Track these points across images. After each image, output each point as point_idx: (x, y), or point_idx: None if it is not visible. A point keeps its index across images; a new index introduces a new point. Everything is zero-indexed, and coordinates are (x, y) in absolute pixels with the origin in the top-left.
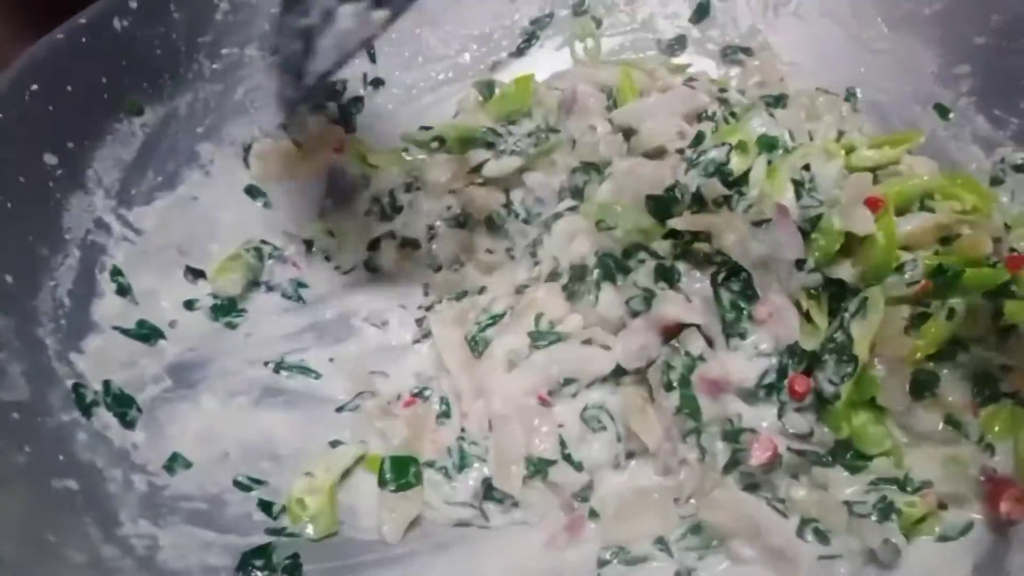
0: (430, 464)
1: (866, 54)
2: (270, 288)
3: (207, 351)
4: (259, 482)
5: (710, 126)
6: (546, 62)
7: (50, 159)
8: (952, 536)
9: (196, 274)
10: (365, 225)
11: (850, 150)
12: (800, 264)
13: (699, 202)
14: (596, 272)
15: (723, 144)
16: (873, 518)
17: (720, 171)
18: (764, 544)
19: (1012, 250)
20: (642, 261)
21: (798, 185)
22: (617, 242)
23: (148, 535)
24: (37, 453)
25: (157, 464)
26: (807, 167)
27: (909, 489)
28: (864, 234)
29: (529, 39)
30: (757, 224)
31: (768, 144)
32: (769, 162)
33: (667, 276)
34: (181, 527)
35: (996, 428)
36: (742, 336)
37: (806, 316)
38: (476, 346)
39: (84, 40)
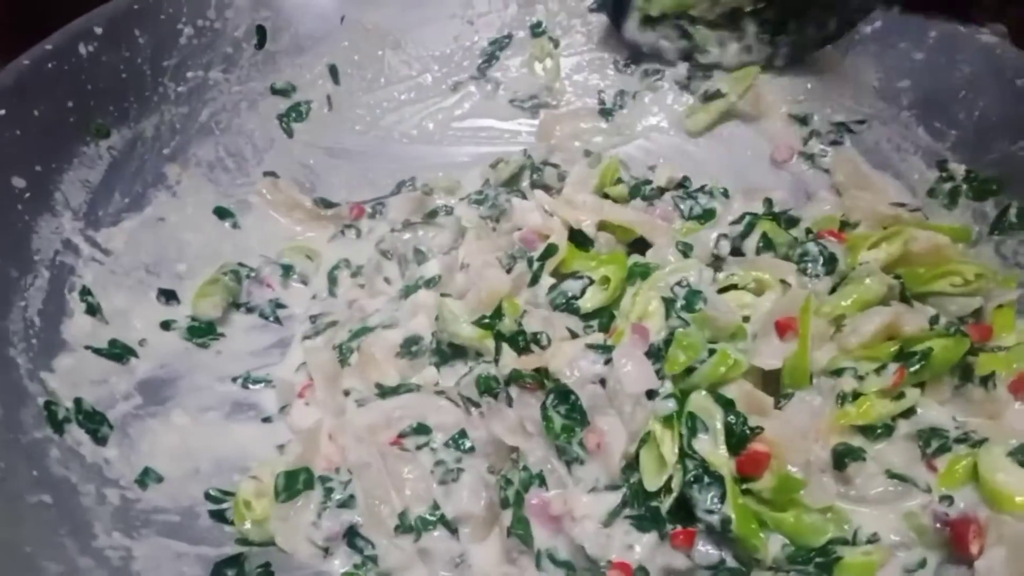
0: (324, 479)
1: (810, 72)
2: (249, 310)
3: (177, 368)
4: (230, 494)
5: None
6: (509, 79)
7: (18, 182)
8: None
9: (168, 296)
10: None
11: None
12: (651, 394)
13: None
14: (429, 351)
15: (580, 277)
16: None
17: (568, 304)
18: None
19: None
20: (470, 369)
21: (669, 304)
22: (452, 337)
23: (122, 547)
24: (11, 469)
25: (129, 478)
26: (681, 283)
27: (859, 543)
28: (769, 369)
29: (489, 59)
30: (596, 348)
31: (642, 272)
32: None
33: (490, 390)
34: (154, 539)
35: (956, 479)
36: (580, 463)
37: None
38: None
39: (50, 65)
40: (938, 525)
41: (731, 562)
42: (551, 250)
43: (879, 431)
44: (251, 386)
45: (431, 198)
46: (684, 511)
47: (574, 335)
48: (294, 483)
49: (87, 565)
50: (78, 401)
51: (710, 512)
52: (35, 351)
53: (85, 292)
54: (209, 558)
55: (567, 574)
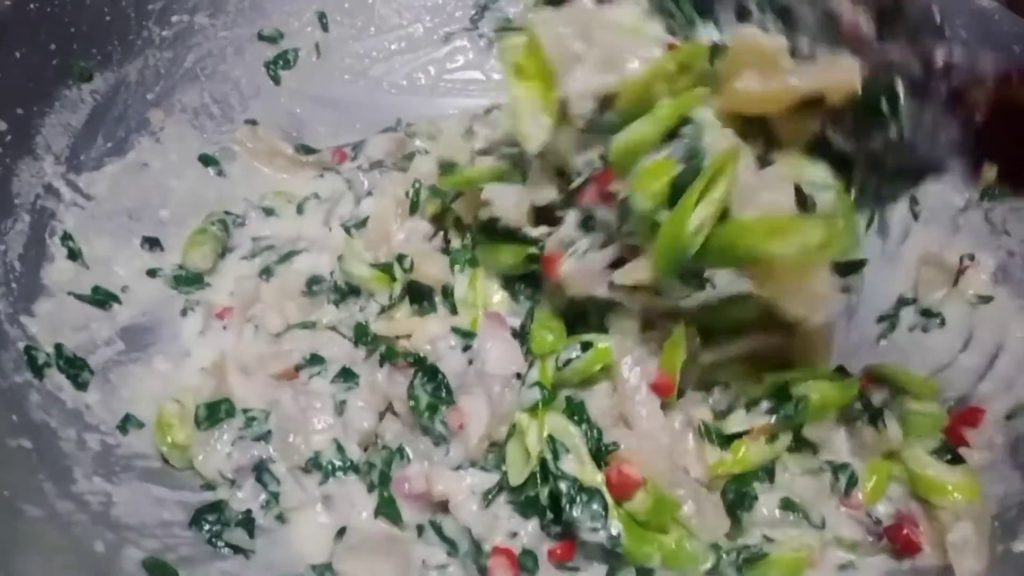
0: (247, 411)
1: None
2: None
3: (160, 315)
4: None
5: None
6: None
7: None
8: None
9: (152, 243)
10: None
11: None
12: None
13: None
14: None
15: None
16: None
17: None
18: None
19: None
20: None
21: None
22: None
23: (102, 492)
24: None
25: (111, 424)
26: None
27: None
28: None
29: (482, 10)
30: (458, 332)
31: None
32: None
33: (364, 337)
34: (135, 484)
35: (878, 492)
36: (445, 441)
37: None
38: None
39: (32, 7)
40: (871, 539)
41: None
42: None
43: (760, 475)
44: None
45: (412, 140)
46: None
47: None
48: (215, 413)
49: (67, 509)
50: (59, 347)
51: (594, 530)
52: (15, 295)
53: (66, 237)
54: (190, 504)
55: (449, 551)
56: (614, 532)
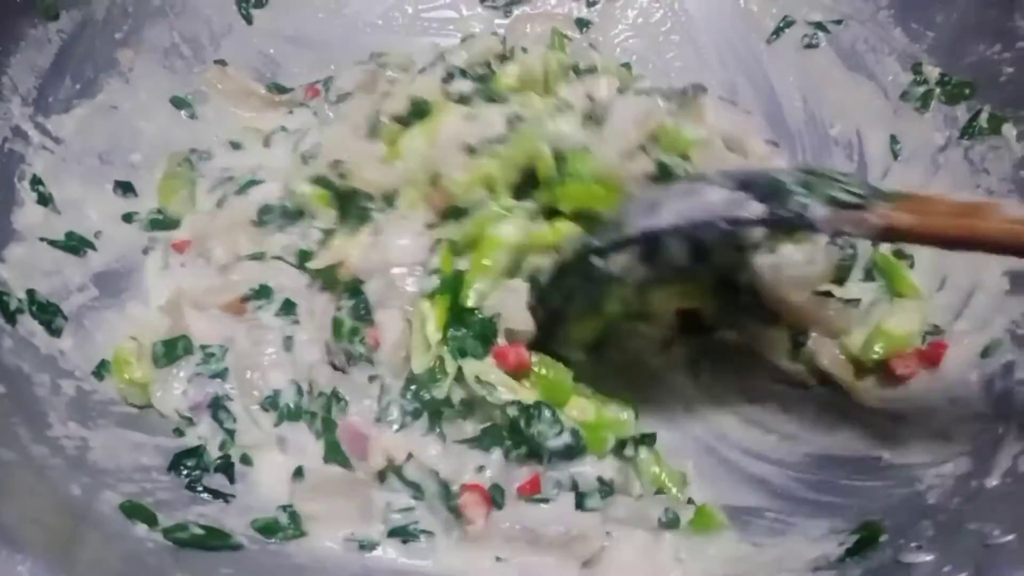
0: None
1: None
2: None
3: (134, 260)
4: None
5: None
6: None
7: None
8: None
9: (125, 188)
10: None
11: None
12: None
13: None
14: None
15: None
16: None
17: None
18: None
19: None
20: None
21: None
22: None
23: (78, 436)
24: None
25: (85, 370)
26: None
27: None
28: None
29: None
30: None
31: None
32: None
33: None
34: (112, 429)
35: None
36: (368, 362)
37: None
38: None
39: None
40: None
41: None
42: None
43: None
44: None
45: (383, 72)
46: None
47: None
48: (173, 350)
49: (41, 453)
50: (31, 292)
51: (558, 435)
52: None
53: (36, 181)
54: (168, 448)
55: (414, 495)
56: (570, 428)
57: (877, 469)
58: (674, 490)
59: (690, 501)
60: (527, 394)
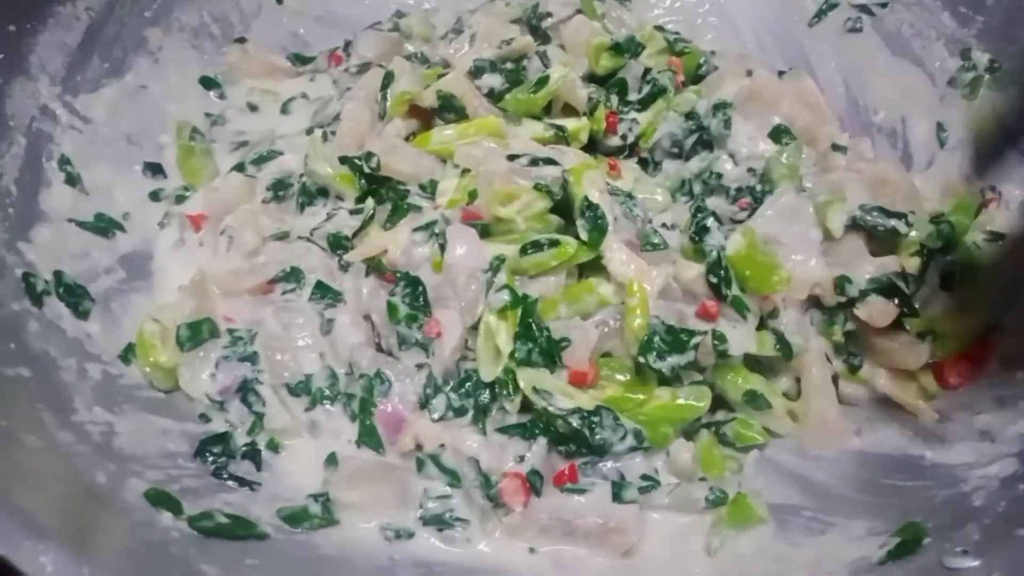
0: (232, 331)
1: None
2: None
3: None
4: None
5: None
6: None
7: None
8: None
9: (155, 170)
10: None
11: None
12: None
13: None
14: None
15: None
16: None
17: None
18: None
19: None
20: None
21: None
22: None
23: (104, 422)
24: None
25: (112, 354)
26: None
27: None
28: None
29: None
30: (424, 229)
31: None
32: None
33: (340, 246)
34: (138, 415)
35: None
36: (420, 347)
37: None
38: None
39: None
40: None
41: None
42: (388, 77)
43: None
44: None
45: (404, 43)
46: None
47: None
48: (198, 333)
49: (66, 440)
50: (58, 274)
51: (622, 439)
52: (11, 221)
53: (64, 161)
54: (194, 435)
55: (451, 482)
56: (632, 429)
57: (920, 468)
58: (727, 474)
59: (740, 486)
60: (586, 400)
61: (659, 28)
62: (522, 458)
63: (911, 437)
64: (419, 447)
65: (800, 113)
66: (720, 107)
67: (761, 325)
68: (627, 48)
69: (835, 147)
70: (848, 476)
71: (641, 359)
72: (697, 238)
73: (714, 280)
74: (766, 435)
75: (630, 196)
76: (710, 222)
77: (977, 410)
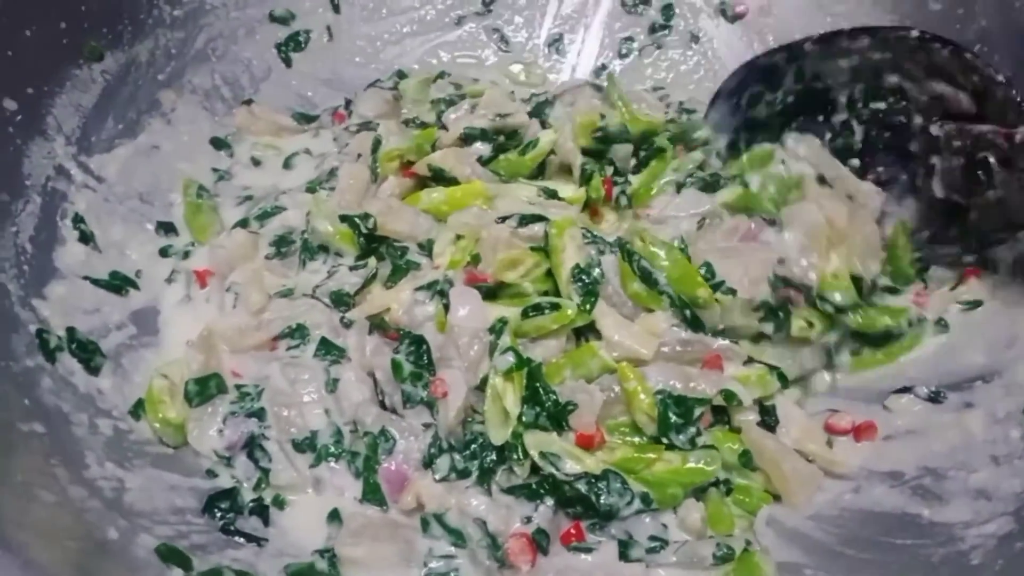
0: (240, 386)
1: (826, 17)
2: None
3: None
4: None
5: None
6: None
7: (9, 104)
8: None
9: (167, 228)
10: None
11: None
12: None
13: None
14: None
15: None
16: None
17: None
18: None
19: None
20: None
21: None
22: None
23: (115, 477)
24: (3, 397)
25: (123, 409)
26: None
27: None
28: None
29: None
30: (426, 288)
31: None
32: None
33: (343, 303)
34: (148, 470)
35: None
36: (424, 404)
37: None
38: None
39: None
40: None
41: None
42: (376, 142)
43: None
44: None
45: (398, 104)
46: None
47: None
48: (206, 389)
49: (79, 495)
50: (71, 330)
51: (629, 504)
52: (26, 278)
53: (78, 219)
54: (203, 490)
55: (455, 542)
56: (640, 493)
57: (917, 527)
58: (736, 531)
59: (748, 543)
60: (593, 463)
61: (672, 121)
62: (529, 519)
63: (909, 496)
64: (421, 506)
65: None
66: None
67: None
68: (615, 139)
69: None
70: (849, 535)
71: (665, 440)
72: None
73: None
74: (768, 498)
75: (612, 245)
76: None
77: (972, 468)
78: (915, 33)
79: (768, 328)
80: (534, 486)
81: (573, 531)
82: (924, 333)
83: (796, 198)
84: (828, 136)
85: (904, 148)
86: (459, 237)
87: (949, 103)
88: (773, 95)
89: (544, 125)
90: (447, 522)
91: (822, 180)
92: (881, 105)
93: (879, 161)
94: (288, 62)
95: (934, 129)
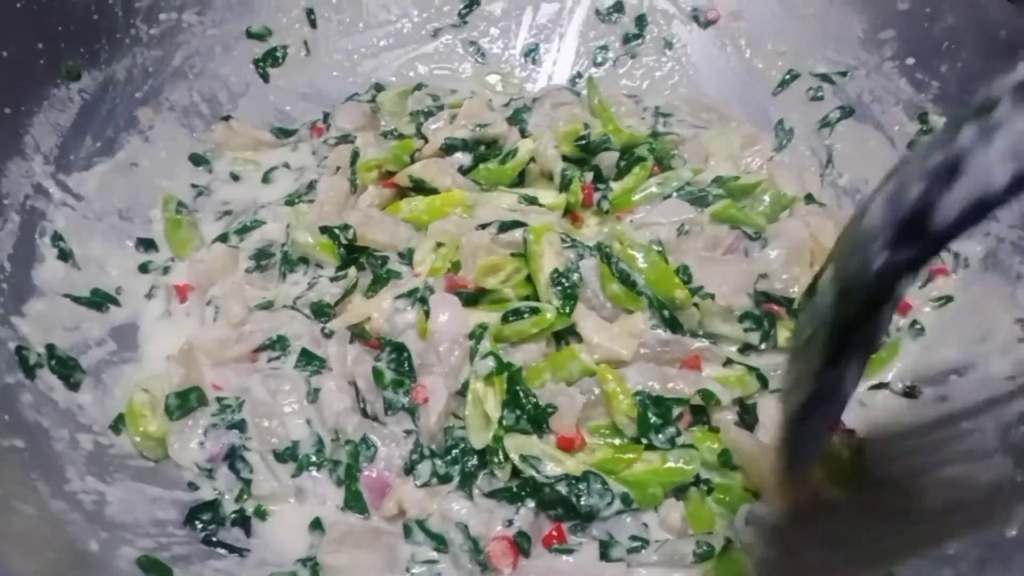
0: (221, 399)
1: (796, 20)
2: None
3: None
4: None
5: None
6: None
7: None
8: None
9: (147, 245)
10: None
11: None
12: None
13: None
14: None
15: None
16: None
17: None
18: None
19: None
20: (309, 285)
21: None
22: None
23: (95, 491)
24: None
25: (103, 424)
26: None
27: None
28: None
29: (470, 5)
30: (407, 296)
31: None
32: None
33: (324, 314)
34: (128, 483)
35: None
36: (406, 411)
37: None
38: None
39: (19, 5)
40: None
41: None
42: (354, 155)
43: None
44: None
45: (378, 117)
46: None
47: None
48: (186, 402)
49: (60, 508)
50: (50, 347)
51: (609, 504)
52: (5, 296)
53: (57, 237)
54: (184, 502)
55: (437, 547)
56: (620, 493)
57: (894, 516)
58: (716, 529)
59: (728, 541)
60: (573, 464)
61: (654, 135)
62: (510, 522)
63: (885, 487)
64: (403, 512)
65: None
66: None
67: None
68: (595, 148)
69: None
70: (826, 530)
71: (645, 440)
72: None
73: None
74: (747, 496)
75: (592, 249)
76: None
77: (948, 461)
78: None
79: (754, 338)
80: (515, 489)
81: (555, 533)
82: (902, 340)
83: (785, 216)
84: None
85: None
86: (439, 245)
87: None
88: None
89: (524, 133)
90: (429, 527)
91: (810, 199)
92: None
93: None
94: (266, 77)
95: None
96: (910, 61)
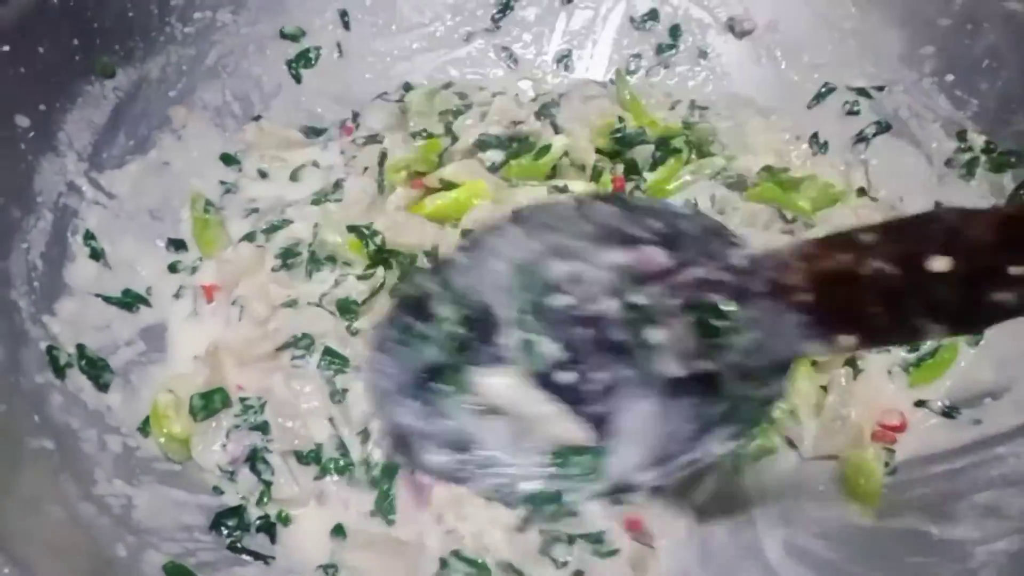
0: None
1: (834, 33)
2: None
3: None
4: None
5: None
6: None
7: (21, 121)
8: None
9: (178, 245)
10: None
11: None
12: None
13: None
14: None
15: None
16: None
17: None
18: None
19: None
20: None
21: None
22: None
23: (123, 494)
24: (12, 413)
25: (131, 426)
26: None
27: None
28: None
29: (503, 9)
30: None
31: None
32: None
33: (349, 311)
34: (155, 487)
35: None
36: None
37: None
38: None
39: (55, 2)
40: None
41: None
42: (382, 156)
43: None
44: None
45: (405, 117)
46: None
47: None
48: (211, 403)
49: (88, 511)
50: (80, 347)
51: None
52: (37, 294)
53: (89, 236)
54: (210, 507)
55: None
56: None
57: (928, 544)
58: None
59: None
60: None
61: (687, 125)
62: (564, 563)
63: (919, 514)
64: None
65: None
66: None
67: None
68: (632, 141)
69: None
70: (854, 551)
71: None
72: None
73: None
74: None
75: None
76: None
77: (982, 485)
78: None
79: None
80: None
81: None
82: (960, 346)
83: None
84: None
85: (610, 340)
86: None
87: (637, 265)
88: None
89: (556, 128)
90: (464, 555)
91: (862, 192)
92: (557, 302)
93: (593, 367)
94: (298, 78)
95: (636, 299)
96: (949, 78)
